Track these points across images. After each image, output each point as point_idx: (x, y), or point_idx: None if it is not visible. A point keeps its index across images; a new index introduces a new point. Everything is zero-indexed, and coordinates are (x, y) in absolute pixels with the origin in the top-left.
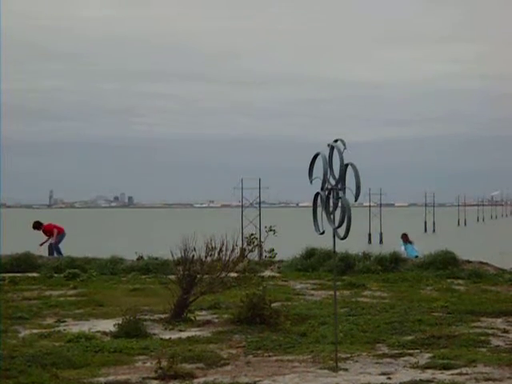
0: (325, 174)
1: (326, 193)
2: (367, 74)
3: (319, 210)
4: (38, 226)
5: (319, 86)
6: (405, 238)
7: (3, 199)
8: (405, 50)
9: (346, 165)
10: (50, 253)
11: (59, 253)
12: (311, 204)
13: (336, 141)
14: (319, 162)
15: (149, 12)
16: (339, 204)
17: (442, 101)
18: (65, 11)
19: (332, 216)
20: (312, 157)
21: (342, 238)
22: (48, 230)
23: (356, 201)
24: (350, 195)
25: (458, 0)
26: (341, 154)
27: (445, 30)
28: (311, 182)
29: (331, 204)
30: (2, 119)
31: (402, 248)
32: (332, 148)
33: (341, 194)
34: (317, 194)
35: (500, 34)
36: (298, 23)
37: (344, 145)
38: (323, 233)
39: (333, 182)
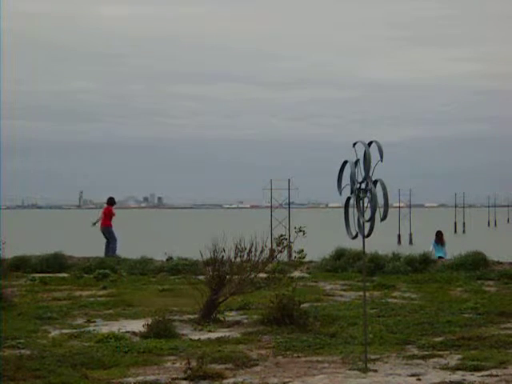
0: (353, 182)
1: (355, 196)
2: (395, 74)
3: (351, 214)
4: (111, 202)
5: (347, 86)
6: (440, 238)
7: (34, 199)
8: (432, 49)
9: (375, 181)
10: (108, 251)
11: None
12: (341, 204)
13: (371, 142)
14: (348, 170)
15: (177, 11)
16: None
17: (469, 101)
18: (89, 10)
19: (362, 220)
20: (340, 165)
21: (366, 236)
22: (106, 213)
23: (383, 221)
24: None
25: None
26: (369, 162)
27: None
28: (340, 193)
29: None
30: (26, 120)
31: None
32: (365, 153)
33: (370, 192)
34: (348, 199)
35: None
36: (327, 24)
37: (381, 151)
38: (356, 237)
39: (361, 180)
